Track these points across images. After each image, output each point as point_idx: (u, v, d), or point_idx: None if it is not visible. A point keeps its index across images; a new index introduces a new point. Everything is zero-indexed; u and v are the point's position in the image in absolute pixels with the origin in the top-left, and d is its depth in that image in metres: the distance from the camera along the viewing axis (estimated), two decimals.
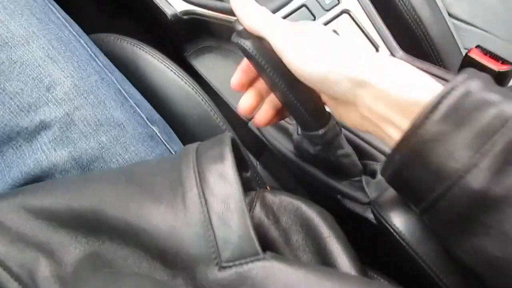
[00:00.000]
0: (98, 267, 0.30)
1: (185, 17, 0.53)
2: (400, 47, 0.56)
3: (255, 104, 0.38)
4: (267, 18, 0.34)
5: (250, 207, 0.35)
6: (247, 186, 0.37)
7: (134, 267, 0.29)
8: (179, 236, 0.28)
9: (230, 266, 0.27)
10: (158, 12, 0.53)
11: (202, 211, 0.29)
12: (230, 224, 0.28)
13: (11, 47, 0.40)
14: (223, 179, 0.30)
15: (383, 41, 0.55)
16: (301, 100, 0.35)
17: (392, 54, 0.55)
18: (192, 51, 0.57)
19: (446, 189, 0.25)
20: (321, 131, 0.38)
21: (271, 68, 0.34)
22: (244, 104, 0.38)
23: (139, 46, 0.50)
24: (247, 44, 0.34)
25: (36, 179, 0.39)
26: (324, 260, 0.32)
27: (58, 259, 0.30)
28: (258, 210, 0.35)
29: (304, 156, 0.45)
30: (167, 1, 0.53)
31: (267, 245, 0.34)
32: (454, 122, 0.26)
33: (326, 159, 0.42)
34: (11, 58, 0.39)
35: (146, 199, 0.30)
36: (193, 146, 0.34)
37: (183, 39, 0.57)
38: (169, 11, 0.52)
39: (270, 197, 0.36)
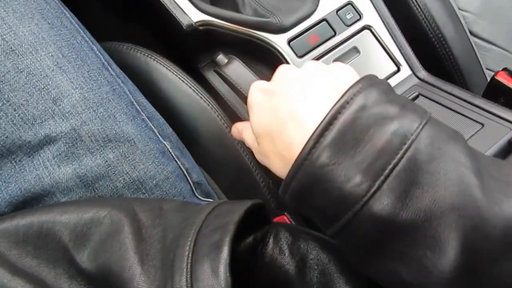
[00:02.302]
0: None
1: (201, 28, 0.51)
2: (423, 66, 0.54)
3: None
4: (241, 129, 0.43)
5: (263, 244, 0.34)
6: (264, 231, 0.35)
7: None
8: None
9: None
10: (173, 21, 0.51)
11: None
12: None
13: (18, 55, 0.37)
14: (214, 274, 0.27)
15: (405, 59, 0.53)
16: None
17: (414, 73, 0.53)
18: (206, 62, 0.55)
19: (352, 216, 0.23)
20: None
21: None
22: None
23: (153, 57, 0.48)
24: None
25: (37, 197, 0.37)
26: None
27: None
28: (270, 247, 0.34)
29: None
30: (183, 10, 0.50)
31: (280, 284, 0.32)
32: (348, 144, 0.23)
33: None
34: (18, 67, 0.37)
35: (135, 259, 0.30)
36: (197, 222, 0.31)
37: (198, 50, 0.55)
38: (184, 21, 0.50)
39: (285, 232, 0.34)
